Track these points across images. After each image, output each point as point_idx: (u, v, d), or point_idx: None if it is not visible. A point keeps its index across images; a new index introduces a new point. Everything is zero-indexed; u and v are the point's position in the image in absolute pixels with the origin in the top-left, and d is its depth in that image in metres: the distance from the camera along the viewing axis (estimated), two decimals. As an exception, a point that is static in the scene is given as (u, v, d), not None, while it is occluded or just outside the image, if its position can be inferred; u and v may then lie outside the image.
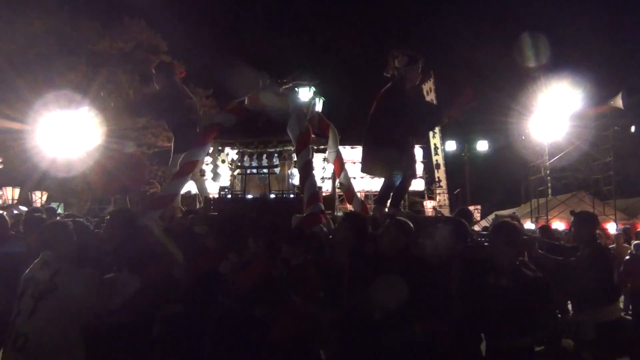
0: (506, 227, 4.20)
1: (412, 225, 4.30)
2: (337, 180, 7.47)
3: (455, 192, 26.36)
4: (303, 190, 6.00)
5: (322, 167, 7.10)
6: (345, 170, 7.20)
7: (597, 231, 5.42)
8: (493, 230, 4.36)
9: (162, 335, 4.33)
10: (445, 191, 25.44)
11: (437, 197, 25.09)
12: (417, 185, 21.74)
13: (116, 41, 24.06)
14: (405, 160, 6.09)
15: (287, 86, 6.86)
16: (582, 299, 4.86)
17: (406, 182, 6.41)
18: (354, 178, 8.72)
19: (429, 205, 24.57)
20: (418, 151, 21.40)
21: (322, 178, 7.08)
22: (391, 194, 6.40)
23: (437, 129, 26.11)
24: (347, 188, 7.34)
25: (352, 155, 17.75)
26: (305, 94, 17.33)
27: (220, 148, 6.88)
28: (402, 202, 7.08)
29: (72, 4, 23.59)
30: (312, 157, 6.33)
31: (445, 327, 3.83)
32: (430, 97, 26.39)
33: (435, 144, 26.23)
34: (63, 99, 19.34)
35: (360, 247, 4.21)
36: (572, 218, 5.22)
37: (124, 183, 6.43)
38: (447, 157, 26.93)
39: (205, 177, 7.14)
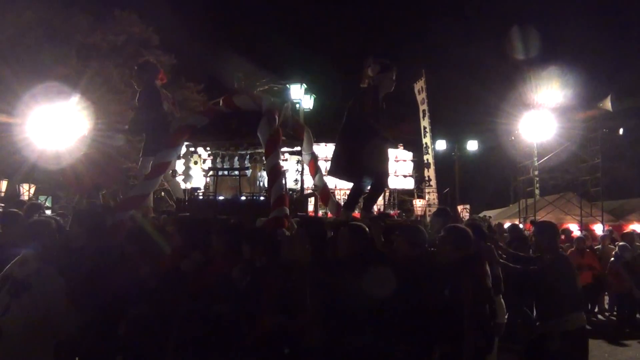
0: (455, 231, 4.25)
1: (367, 230, 4.31)
2: (312, 182, 7.48)
3: (445, 191, 26.47)
4: (270, 193, 6.02)
5: (295, 170, 7.09)
6: (321, 172, 7.22)
7: (581, 235, 5.49)
8: (442, 233, 4.39)
9: (127, 335, 4.28)
10: (435, 190, 25.53)
11: (427, 196, 25.17)
12: (407, 184, 21.80)
13: (107, 34, 23.91)
14: (375, 166, 6.09)
15: (262, 88, 6.63)
16: (546, 308, 4.88)
17: (378, 187, 6.41)
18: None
19: (418, 204, 24.66)
20: (407, 153, 21.52)
21: (296, 180, 7.11)
22: (359, 199, 6.51)
23: (428, 128, 26.22)
24: (322, 190, 7.33)
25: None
26: (297, 91, 17.34)
27: (192, 150, 6.88)
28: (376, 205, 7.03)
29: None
30: (280, 160, 6.35)
31: (399, 333, 3.84)
32: (422, 96, 26.50)
33: (425, 143, 26.33)
34: (52, 91, 19.20)
35: (317, 251, 4.19)
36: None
37: (97, 181, 6.45)
38: (437, 156, 27.09)
39: (176, 178, 7.09)
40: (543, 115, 19.37)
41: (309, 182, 7.74)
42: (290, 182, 6.92)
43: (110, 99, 19.16)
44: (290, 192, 6.87)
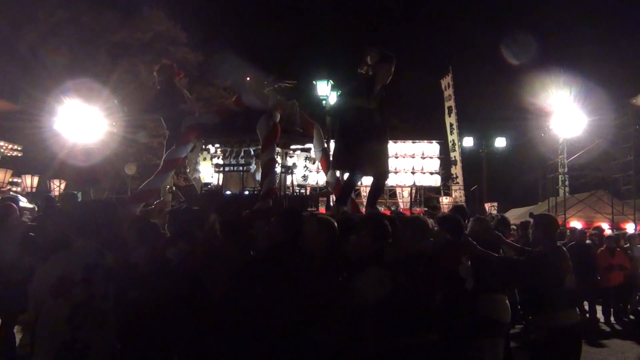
0: (417, 221, 4.34)
1: (335, 223, 4.32)
2: (325, 179, 7.58)
3: (472, 188, 26.19)
4: (262, 186, 6.26)
5: (304, 166, 7.28)
6: (333, 168, 7.21)
7: (611, 234, 5.33)
8: (404, 225, 4.38)
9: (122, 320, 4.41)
10: (462, 188, 25.31)
11: (453, 194, 24.95)
12: (433, 181, 21.63)
13: (135, 32, 24.21)
14: (371, 159, 6.06)
15: (270, 87, 6.94)
16: (533, 301, 4.85)
17: (378, 181, 6.43)
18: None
19: (445, 201, 24.46)
20: (434, 147, 21.33)
21: (304, 176, 7.31)
22: (351, 193, 6.52)
23: (455, 125, 25.98)
24: (335, 186, 7.34)
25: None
26: (323, 88, 17.31)
27: (203, 147, 7.17)
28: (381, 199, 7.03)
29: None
30: (276, 155, 6.55)
31: (363, 328, 3.84)
32: (449, 92, 26.27)
33: (452, 140, 26.11)
34: (83, 88, 19.53)
35: (289, 244, 4.23)
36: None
37: (95, 175, 6.70)
38: (465, 154, 26.80)
39: (197, 175, 7.37)
40: (573, 111, 19.03)
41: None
42: (298, 178, 7.21)
43: (139, 96, 19.37)
44: (299, 189, 7.19)
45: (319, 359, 3.79)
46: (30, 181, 18.93)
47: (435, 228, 5.06)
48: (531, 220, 5.17)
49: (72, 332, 3.46)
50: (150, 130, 20.67)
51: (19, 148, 21.41)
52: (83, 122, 17.37)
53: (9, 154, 21.05)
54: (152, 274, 4.38)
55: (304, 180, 7.39)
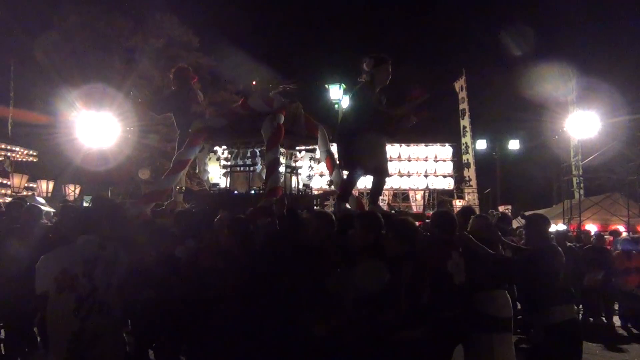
0: (396, 222, 4.44)
1: (332, 216, 4.62)
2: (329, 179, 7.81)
3: (486, 191, 26.04)
4: (266, 185, 6.54)
5: (309, 166, 7.52)
6: (337, 168, 7.38)
7: (627, 237, 5.32)
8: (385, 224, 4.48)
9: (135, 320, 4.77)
10: (475, 190, 25.15)
11: (467, 197, 24.82)
12: (447, 184, 21.54)
13: (148, 37, 24.38)
14: (370, 158, 6.25)
15: (275, 91, 7.21)
16: (529, 300, 4.96)
17: (379, 180, 6.60)
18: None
19: (458, 204, 24.34)
20: (447, 150, 21.28)
21: (309, 176, 7.55)
22: (351, 190, 6.77)
23: (468, 127, 25.88)
24: (340, 185, 7.33)
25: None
26: (336, 91, 17.37)
27: (211, 148, 7.43)
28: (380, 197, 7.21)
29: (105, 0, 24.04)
30: (280, 155, 6.79)
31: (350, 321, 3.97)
32: (462, 94, 26.17)
33: (465, 143, 25.97)
34: (96, 93, 19.72)
35: (285, 237, 4.49)
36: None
37: (110, 180, 6.90)
38: (478, 156, 26.63)
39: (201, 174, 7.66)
40: (587, 113, 18.86)
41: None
42: (304, 178, 7.44)
43: (153, 100, 19.50)
44: (304, 188, 7.44)
45: (318, 350, 3.94)
46: (45, 186, 19.12)
47: None
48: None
49: (80, 323, 3.65)
50: (164, 135, 20.82)
51: (34, 153, 21.65)
52: (97, 127, 17.53)
53: (24, 160, 21.30)
54: (162, 272, 4.56)
55: (309, 180, 7.60)
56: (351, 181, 6.58)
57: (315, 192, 7.77)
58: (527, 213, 5.45)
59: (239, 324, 4.18)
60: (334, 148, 6.88)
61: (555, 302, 4.64)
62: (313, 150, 7.51)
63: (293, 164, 7.44)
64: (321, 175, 11.24)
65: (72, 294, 3.65)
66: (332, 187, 7.74)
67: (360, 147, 6.14)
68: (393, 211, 8.39)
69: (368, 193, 7.21)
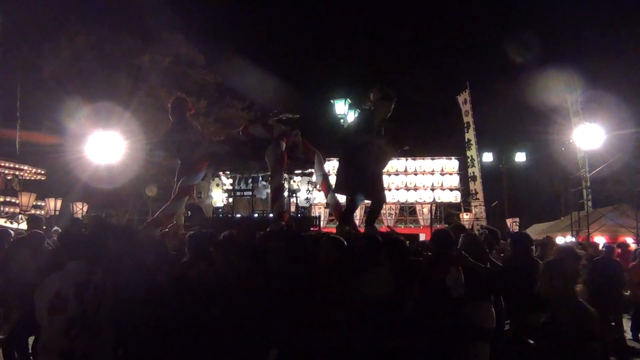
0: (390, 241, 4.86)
1: (344, 242, 4.85)
2: (325, 201, 8.26)
3: (493, 204, 25.95)
4: (273, 210, 6.88)
5: (306, 189, 7.83)
6: (333, 191, 7.69)
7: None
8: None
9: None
10: (482, 203, 25.08)
11: (474, 210, 24.75)
12: (453, 197, 21.51)
13: (155, 55, 24.59)
14: (367, 185, 6.59)
15: (275, 118, 7.55)
16: (513, 305, 5.49)
17: (377, 204, 7.06)
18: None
19: (465, 217, 24.28)
20: (453, 163, 21.32)
21: (307, 199, 7.86)
22: (353, 214, 7.16)
23: (473, 140, 25.89)
24: (335, 207, 7.93)
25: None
26: (341, 107, 17.48)
27: (214, 173, 7.74)
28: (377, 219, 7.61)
29: (113, 19, 24.28)
30: (284, 181, 7.19)
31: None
32: (466, 107, 26.22)
33: (471, 156, 25.97)
34: (104, 112, 19.86)
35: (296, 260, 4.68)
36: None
37: (118, 198, 7.07)
38: (484, 169, 26.60)
39: (208, 200, 7.89)
40: (594, 125, 18.85)
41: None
42: (302, 201, 7.78)
43: (160, 118, 19.64)
44: (302, 210, 7.80)
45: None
46: (53, 204, 19.22)
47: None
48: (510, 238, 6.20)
49: (70, 344, 3.84)
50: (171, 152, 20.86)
51: (42, 172, 21.79)
52: (105, 145, 17.63)
53: (32, 178, 21.44)
54: (175, 291, 4.71)
55: (307, 202, 7.91)
56: (353, 205, 6.98)
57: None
58: (515, 231, 6.06)
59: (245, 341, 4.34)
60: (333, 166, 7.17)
61: (534, 308, 4.98)
62: (310, 174, 7.86)
63: (293, 187, 7.82)
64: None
65: (63, 315, 3.85)
66: (329, 209, 8.03)
67: (360, 174, 6.49)
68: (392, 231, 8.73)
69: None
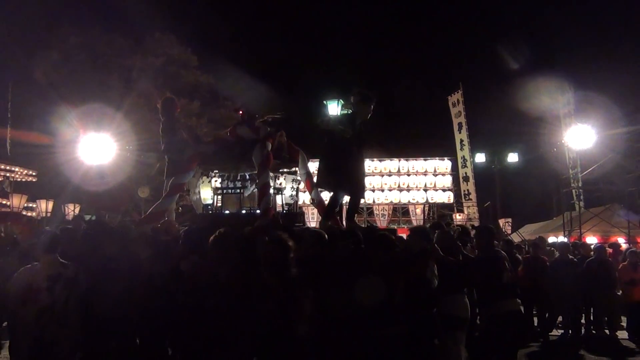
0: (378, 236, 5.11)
1: (325, 234, 5.21)
2: (309, 197, 8.62)
3: (485, 205, 26.00)
4: (259, 207, 7.26)
5: (291, 187, 8.24)
6: (316, 187, 8.02)
7: (634, 249, 5.62)
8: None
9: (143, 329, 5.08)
10: (475, 204, 25.11)
11: (467, 210, 24.78)
12: (446, 198, 21.54)
13: (147, 56, 24.48)
14: (348, 181, 6.98)
15: (261, 120, 7.85)
16: (480, 294, 5.95)
17: (355, 200, 7.51)
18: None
19: (458, 218, 24.31)
20: (445, 164, 21.36)
21: (291, 196, 8.31)
22: (335, 209, 7.50)
23: (465, 141, 25.95)
24: (318, 203, 8.24)
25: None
26: (334, 108, 17.53)
27: (203, 172, 8.01)
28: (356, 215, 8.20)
29: (105, 20, 24.18)
30: (270, 179, 7.50)
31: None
32: (458, 108, 26.27)
33: (463, 156, 26.02)
34: (96, 113, 19.78)
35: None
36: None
37: (109, 199, 7.21)
38: (477, 170, 26.64)
39: (197, 197, 8.24)
40: (585, 125, 18.94)
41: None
42: (287, 198, 8.22)
43: (152, 118, 19.57)
44: (288, 207, 8.23)
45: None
46: (45, 206, 19.11)
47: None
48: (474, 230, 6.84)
49: (40, 331, 4.30)
50: (159, 152, 20.76)
51: (34, 173, 21.66)
52: (97, 146, 17.55)
53: (24, 180, 21.31)
54: (169, 284, 4.88)
55: (292, 199, 8.31)
56: (335, 201, 7.28)
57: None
58: (478, 225, 6.37)
59: (236, 330, 4.45)
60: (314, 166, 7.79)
61: (499, 297, 5.67)
62: (295, 173, 8.23)
63: (278, 185, 8.10)
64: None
65: (35, 306, 4.30)
66: (313, 204, 8.31)
67: (339, 170, 6.91)
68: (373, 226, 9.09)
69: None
